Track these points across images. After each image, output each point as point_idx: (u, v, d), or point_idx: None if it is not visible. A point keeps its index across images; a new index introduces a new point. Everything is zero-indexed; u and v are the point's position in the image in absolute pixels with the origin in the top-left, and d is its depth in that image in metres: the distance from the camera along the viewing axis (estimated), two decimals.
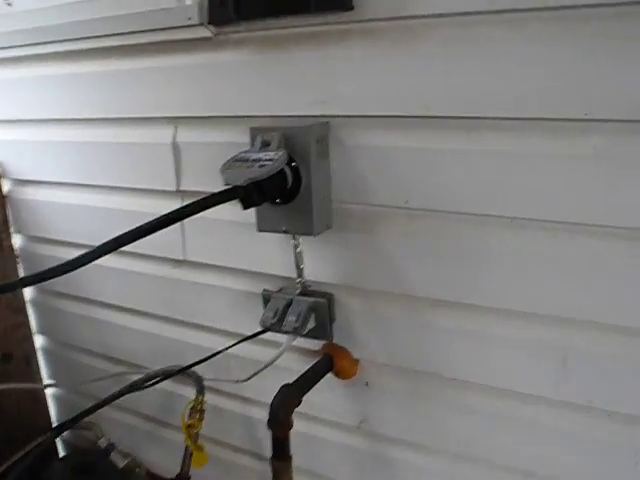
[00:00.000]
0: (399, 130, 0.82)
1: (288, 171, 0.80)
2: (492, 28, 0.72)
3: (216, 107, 0.97)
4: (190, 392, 1.13)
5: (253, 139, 0.84)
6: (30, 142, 1.27)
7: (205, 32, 0.92)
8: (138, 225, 0.66)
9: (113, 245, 0.65)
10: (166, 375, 1.07)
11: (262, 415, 0.94)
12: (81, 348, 1.40)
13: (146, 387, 1.09)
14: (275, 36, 0.87)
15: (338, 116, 0.86)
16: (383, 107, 0.81)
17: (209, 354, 0.98)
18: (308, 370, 0.93)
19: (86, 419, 1.07)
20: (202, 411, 1.10)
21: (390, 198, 0.85)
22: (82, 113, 1.15)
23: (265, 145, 0.81)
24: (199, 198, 0.71)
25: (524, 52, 0.71)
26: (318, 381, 0.93)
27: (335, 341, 0.97)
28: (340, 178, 0.88)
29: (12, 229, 1.39)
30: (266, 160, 0.76)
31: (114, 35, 1.00)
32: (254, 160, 0.77)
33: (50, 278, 0.63)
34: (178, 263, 1.13)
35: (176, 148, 1.03)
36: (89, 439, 1.27)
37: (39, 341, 1.51)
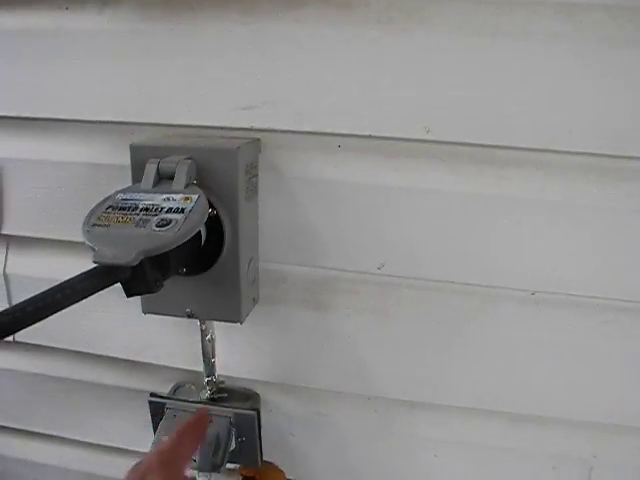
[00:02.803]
0: (380, 159, 0.53)
1: (203, 225, 0.47)
2: None
3: (64, 103, 0.57)
4: None
5: (137, 166, 0.49)
6: None
7: None
8: None
9: None
10: None
11: None
12: None
13: None
14: None
15: (275, 130, 0.54)
16: (354, 120, 0.51)
17: None
18: None
19: None
20: None
21: (354, 260, 0.56)
22: None
23: (163, 178, 0.47)
24: (43, 292, 0.36)
25: None
26: None
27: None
28: (272, 226, 0.57)
29: None
30: (169, 210, 0.43)
31: None
32: (146, 209, 0.43)
33: None
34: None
35: None
36: None
37: None
